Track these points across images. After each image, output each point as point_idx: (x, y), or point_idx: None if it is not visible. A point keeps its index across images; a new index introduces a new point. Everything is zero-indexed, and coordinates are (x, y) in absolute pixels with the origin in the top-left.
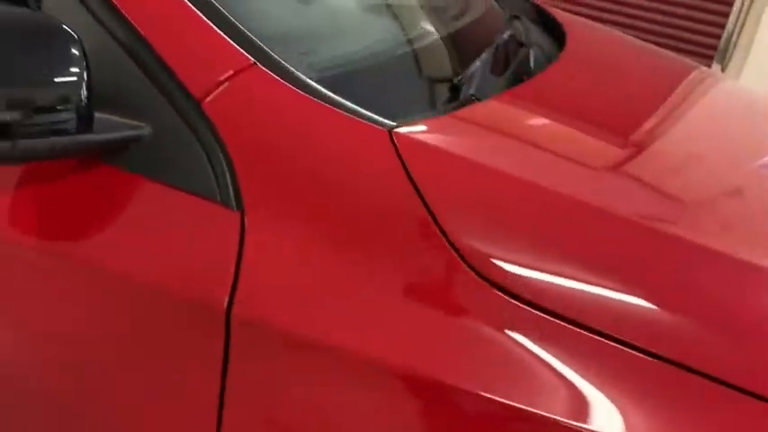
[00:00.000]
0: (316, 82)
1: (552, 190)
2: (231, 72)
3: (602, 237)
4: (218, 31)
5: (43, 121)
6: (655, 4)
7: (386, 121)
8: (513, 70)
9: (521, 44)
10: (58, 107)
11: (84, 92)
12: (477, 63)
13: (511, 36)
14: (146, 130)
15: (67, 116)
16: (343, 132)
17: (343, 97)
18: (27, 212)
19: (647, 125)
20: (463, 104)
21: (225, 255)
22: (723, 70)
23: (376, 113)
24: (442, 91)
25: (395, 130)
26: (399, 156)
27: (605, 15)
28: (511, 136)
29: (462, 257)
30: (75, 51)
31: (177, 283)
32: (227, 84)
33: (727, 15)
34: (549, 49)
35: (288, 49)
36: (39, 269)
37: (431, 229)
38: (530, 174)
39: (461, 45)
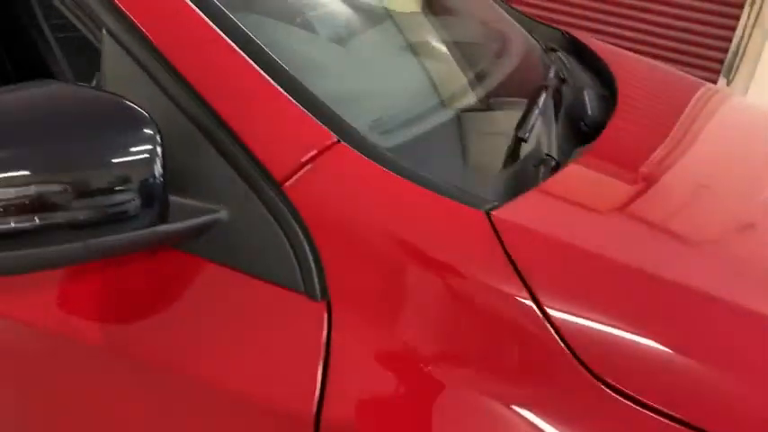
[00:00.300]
0: (397, 156)
1: (661, 277)
2: (315, 151)
3: (732, 335)
4: (299, 106)
5: (115, 210)
6: (662, 20)
7: (480, 200)
8: (581, 123)
9: (578, 93)
10: (132, 196)
11: (159, 178)
12: (546, 121)
13: (567, 85)
14: (222, 213)
15: (143, 204)
16: (437, 215)
17: (427, 171)
18: (91, 307)
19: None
20: (545, 171)
21: (311, 353)
22: (729, 84)
23: (467, 190)
24: (520, 157)
25: (492, 211)
26: (501, 241)
27: (611, 29)
28: (607, 211)
29: (571, 350)
30: (150, 134)
31: (260, 389)
32: (310, 164)
33: (733, 29)
34: (601, 92)
35: (369, 123)
36: (107, 369)
37: (538, 322)
38: (636, 258)
39: (525, 103)
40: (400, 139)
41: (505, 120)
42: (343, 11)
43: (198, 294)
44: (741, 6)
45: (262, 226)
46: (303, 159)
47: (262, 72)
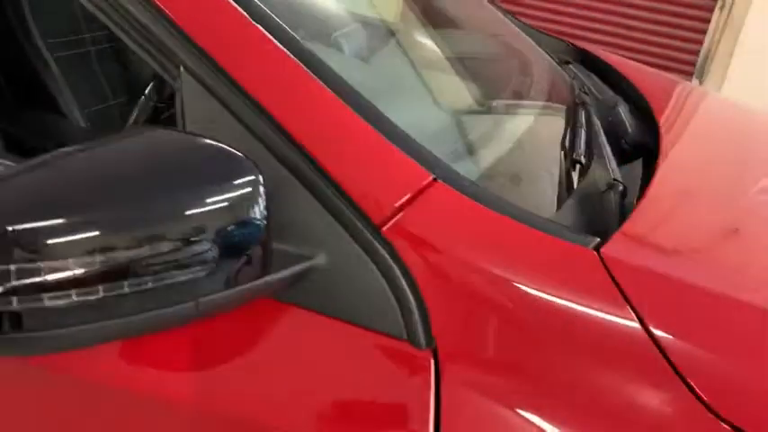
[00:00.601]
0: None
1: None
2: (413, 191)
3: None
4: (393, 145)
5: (224, 264)
6: (635, 23)
7: (583, 237)
8: (622, 141)
9: (611, 110)
10: (242, 247)
11: (265, 226)
12: (598, 142)
13: (599, 102)
14: (319, 259)
15: (252, 255)
16: (546, 255)
17: (525, 206)
18: (181, 365)
19: None
20: (616, 197)
21: (419, 405)
22: (701, 84)
23: (570, 225)
24: (587, 182)
25: (602, 249)
26: (616, 282)
27: (587, 34)
28: (704, 241)
29: (694, 393)
30: (254, 180)
31: None
32: (409, 205)
33: (704, 32)
34: (631, 107)
35: (462, 159)
36: (200, 428)
37: (659, 363)
38: (745, 291)
39: (574, 124)
40: (474, 171)
41: (560, 143)
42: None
43: (296, 345)
44: (711, 10)
45: (360, 271)
46: (401, 201)
47: (353, 111)
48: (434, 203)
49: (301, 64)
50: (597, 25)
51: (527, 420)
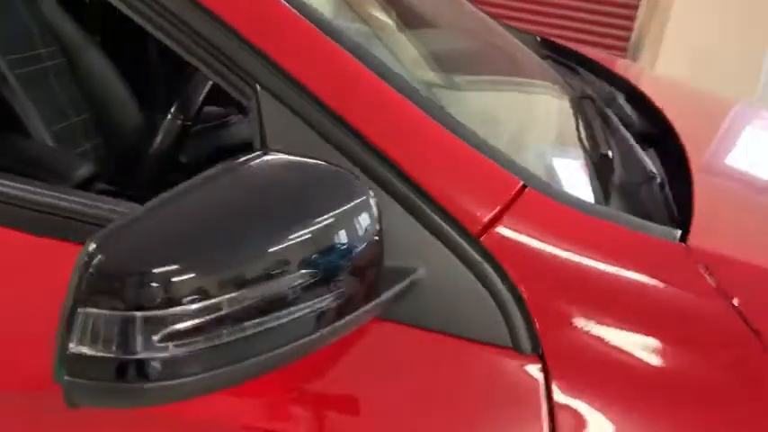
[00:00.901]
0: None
1: None
2: (506, 200)
3: None
4: (481, 155)
5: (350, 287)
6: (569, 2)
7: (665, 230)
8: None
9: (613, 102)
10: (364, 269)
11: (380, 245)
12: (622, 135)
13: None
14: (419, 273)
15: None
16: (640, 252)
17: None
18: (295, 395)
19: None
20: (658, 188)
21: (532, 411)
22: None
23: (653, 221)
24: (629, 175)
25: (688, 243)
26: (710, 274)
27: (518, 14)
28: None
29: None
30: (366, 200)
31: None
32: (503, 213)
33: (636, 8)
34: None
35: (545, 163)
36: None
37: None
38: None
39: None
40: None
41: (583, 137)
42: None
43: (406, 363)
44: None
45: (460, 282)
46: (496, 210)
47: (440, 124)
48: (527, 210)
49: (384, 79)
50: (528, 5)
51: (635, 418)
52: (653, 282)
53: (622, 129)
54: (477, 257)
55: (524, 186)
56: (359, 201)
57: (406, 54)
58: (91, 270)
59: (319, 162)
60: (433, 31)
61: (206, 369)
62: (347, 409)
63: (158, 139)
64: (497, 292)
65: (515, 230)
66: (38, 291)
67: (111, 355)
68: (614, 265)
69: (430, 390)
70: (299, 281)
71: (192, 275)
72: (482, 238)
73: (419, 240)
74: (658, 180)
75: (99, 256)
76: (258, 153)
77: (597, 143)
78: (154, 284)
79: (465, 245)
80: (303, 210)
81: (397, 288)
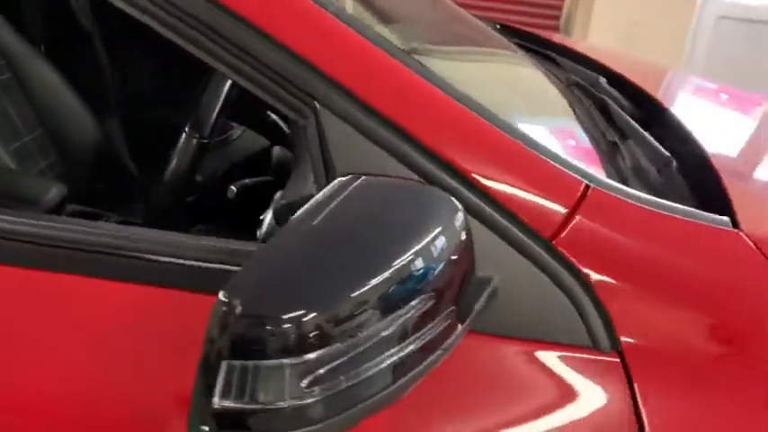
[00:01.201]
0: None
1: None
2: (573, 201)
3: None
4: (544, 158)
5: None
6: None
7: (720, 218)
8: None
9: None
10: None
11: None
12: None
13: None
14: (495, 281)
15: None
16: (702, 241)
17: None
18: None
19: None
20: (676, 173)
21: (619, 408)
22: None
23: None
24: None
25: (743, 230)
26: None
27: None
28: None
29: None
30: (462, 219)
31: None
32: (573, 214)
33: None
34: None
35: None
36: None
37: None
38: None
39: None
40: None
41: (588, 123)
42: None
43: (493, 374)
44: None
45: (535, 287)
46: (565, 211)
47: (501, 131)
48: (594, 209)
49: (440, 89)
50: None
51: (716, 405)
52: (722, 271)
53: (623, 113)
54: (552, 261)
55: (587, 186)
56: (456, 214)
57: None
58: (231, 321)
59: (410, 180)
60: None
61: (348, 408)
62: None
63: (174, 161)
64: (573, 294)
65: (586, 231)
66: (19, 324)
67: (263, 406)
68: (683, 257)
69: (519, 398)
70: (422, 305)
71: (334, 315)
72: (554, 242)
73: (492, 248)
74: (675, 164)
75: (238, 307)
76: (348, 179)
77: (604, 130)
78: (298, 329)
79: (539, 249)
80: (414, 232)
81: (483, 299)
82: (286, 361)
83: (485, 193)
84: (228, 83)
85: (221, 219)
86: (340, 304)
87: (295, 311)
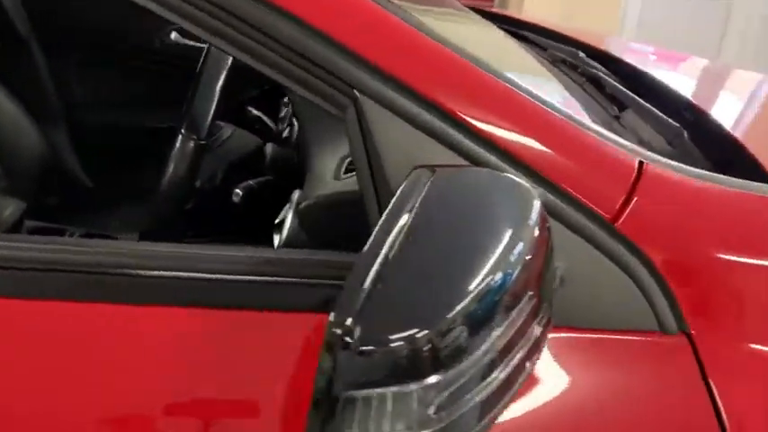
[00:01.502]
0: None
1: None
2: (631, 180)
3: None
4: (596, 138)
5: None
6: None
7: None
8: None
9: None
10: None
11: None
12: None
13: None
14: (560, 269)
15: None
16: (759, 213)
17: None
18: None
19: None
20: (688, 141)
21: (692, 389)
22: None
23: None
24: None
25: None
26: None
27: None
28: None
29: None
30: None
31: None
32: (632, 194)
33: None
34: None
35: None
36: None
37: None
38: None
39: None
40: None
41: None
42: None
43: (563, 367)
44: None
45: (600, 273)
46: (625, 193)
47: (553, 112)
48: (652, 187)
49: (497, 77)
50: None
51: None
52: None
53: (622, 87)
54: (616, 244)
55: (641, 163)
56: (537, 202)
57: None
58: (352, 348)
59: (483, 169)
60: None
61: (480, 419)
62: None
63: (171, 166)
64: (638, 277)
65: (647, 211)
66: None
67: None
68: (744, 231)
69: (593, 391)
70: (528, 304)
71: (460, 327)
72: (617, 224)
73: (556, 236)
74: (686, 134)
75: (357, 331)
76: (420, 172)
77: (604, 105)
78: (427, 348)
79: (603, 233)
80: (506, 226)
81: (556, 289)
82: (413, 386)
83: (543, 178)
84: (221, 81)
85: (222, 224)
86: (459, 317)
87: (421, 329)
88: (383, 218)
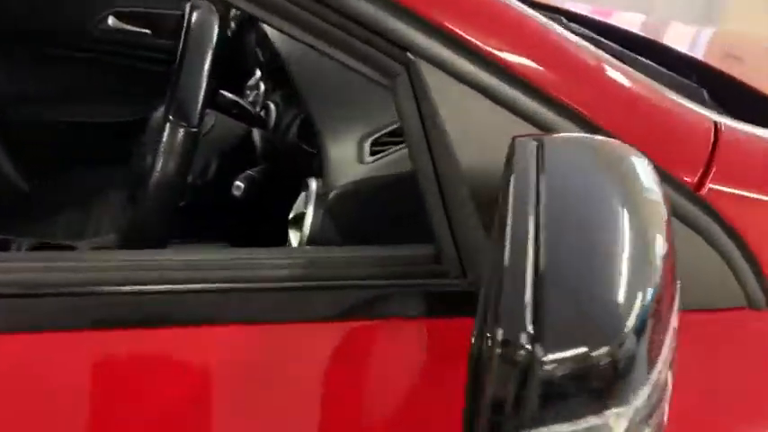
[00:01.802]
0: None
1: None
2: (710, 143)
3: None
4: (676, 99)
5: None
6: None
7: None
8: None
9: None
10: None
11: None
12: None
13: None
14: None
15: None
16: None
17: None
18: None
19: None
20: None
21: None
22: None
23: None
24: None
25: None
26: None
27: None
28: None
29: None
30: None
31: None
32: (713, 159)
33: None
34: None
35: None
36: None
37: None
38: None
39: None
40: None
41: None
42: None
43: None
44: None
45: (686, 247)
46: (707, 156)
47: (633, 77)
48: (731, 151)
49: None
50: None
51: None
52: None
53: (627, 51)
54: (703, 215)
55: (717, 124)
56: (650, 167)
57: None
58: (535, 370)
59: (593, 137)
60: None
61: None
62: None
63: (161, 160)
64: (726, 250)
65: (731, 177)
66: None
67: None
68: None
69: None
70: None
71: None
72: (701, 192)
73: None
74: (704, 92)
75: (539, 351)
76: (526, 142)
77: None
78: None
79: (688, 204)
80: (647, 212)
81: None
82: (616, 410)
83: None
84: (209, 60)
85: (220, 222)
86: (648, 317)
87: (602, 345)
88: (509, 209)
